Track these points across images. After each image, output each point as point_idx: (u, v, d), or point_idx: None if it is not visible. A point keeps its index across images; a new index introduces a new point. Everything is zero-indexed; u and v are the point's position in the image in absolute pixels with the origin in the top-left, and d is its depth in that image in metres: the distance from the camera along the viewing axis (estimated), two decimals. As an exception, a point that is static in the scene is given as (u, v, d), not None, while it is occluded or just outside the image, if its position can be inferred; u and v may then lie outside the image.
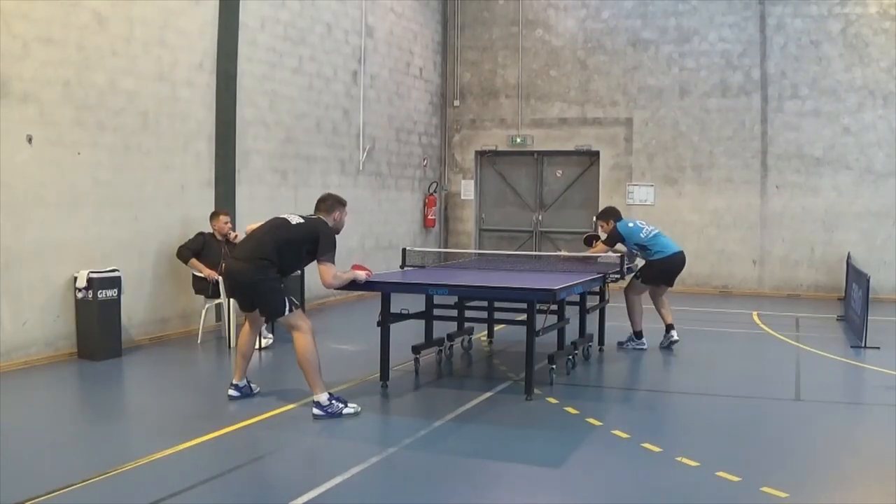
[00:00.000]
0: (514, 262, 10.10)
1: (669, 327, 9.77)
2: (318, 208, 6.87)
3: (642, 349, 9.53)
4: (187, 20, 10.00)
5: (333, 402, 6.44)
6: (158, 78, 9.57)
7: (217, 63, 10.47)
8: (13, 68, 7.86)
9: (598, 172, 16.23)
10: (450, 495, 4.92)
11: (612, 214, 9.85)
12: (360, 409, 6.51)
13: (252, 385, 7.12)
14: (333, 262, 6.55)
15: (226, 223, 9.77)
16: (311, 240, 6.54)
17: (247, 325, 7.07)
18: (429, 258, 10.04)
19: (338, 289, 6.89)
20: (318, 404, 6.41)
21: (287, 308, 6.48)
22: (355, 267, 7.04)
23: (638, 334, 9.64)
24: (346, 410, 6.44)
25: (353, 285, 6.93)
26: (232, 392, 6.99)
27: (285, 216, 6.75)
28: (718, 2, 15.30)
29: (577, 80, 16.22)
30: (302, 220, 6.65)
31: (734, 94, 15.26)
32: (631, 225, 9.66)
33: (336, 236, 6.71)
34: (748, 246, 15.32)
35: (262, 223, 6.84)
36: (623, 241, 9.53)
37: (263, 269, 6.46)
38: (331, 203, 6.87)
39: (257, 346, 9.07)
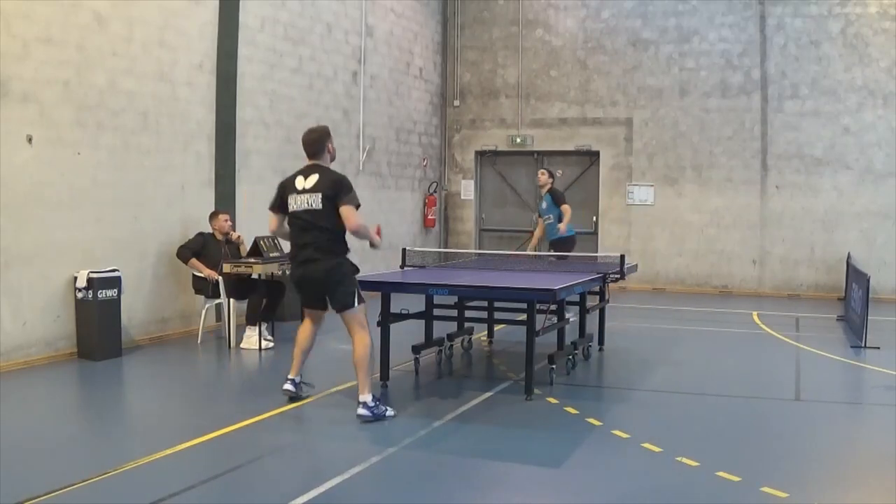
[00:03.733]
0: (514, 262, 10.10)
1: None
2: (310, 155, 6.49)
3: None
4: (187, 20, 10.00)
5: (378, 404, 6.35)
6: (158, 78, 9.57)
7: (217, 63, 10.47)
8: (13, 68, 7.86)
9: (598, 172, 16.24)
10: (450, 495, 4.92)
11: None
12: (394, 413, 6.43)
13: (305, 384, 6.89)
14: (354, 204, 6.27)
15: (225, 221, 9.78)
16: (335, 200, 6.25)
17: (308, 322, 6.80)
18: (429, 258, 10.04)
19: (361, 238, 6.47)
20: (365, 405, 6.29)
21: (356, 301, 6.38)
22: (377, 230, 6.70)
23: None
24: (388, 413, 6.37)
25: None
26: (288, 387, 6.76)
27: (302, 205, 6.33)
28: (718, 2, 15.30)
29: (577, 80, 16.22)
30: (318, 194, 6.27)
31: (734, 94, 15.26)
32: None
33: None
34: (748, 246, 15.32)
35: (281, 220, 6.55)
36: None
37: (333, 258, 6.32)
38: (318, 142, 6.47)
39: (258, 347, 9.11)
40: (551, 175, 11.63)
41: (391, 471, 5.29)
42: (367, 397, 6.31)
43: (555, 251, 11.14)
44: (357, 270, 6.56)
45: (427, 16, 16.20)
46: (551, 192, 11.49)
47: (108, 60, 8.88)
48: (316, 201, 6.31)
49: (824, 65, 14.73)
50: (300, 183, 6.42)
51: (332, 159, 6.63)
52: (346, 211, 6.23)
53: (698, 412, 7.03)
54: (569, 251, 11.08)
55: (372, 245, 6.66)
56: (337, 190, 6.28)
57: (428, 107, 16.43)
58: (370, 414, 6.27)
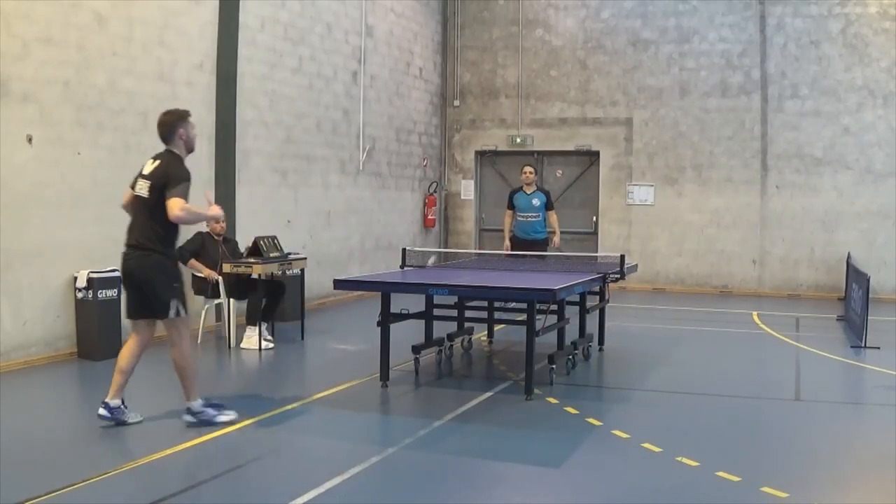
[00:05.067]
0: (514, 262, 10.10)
1: None
2: (161, 138, 6.15)
3: None
4: (187, 20, 10.00)
5: (206, 409, 6.12)
6: (158, 78, 9.57)
7: (217, 63, 10.47)
8: (13, 68, 7.86)
9: (598, 172, 16.23)
10: (450, 495, 4.92)
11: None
12: (235, 416, 6.19)
13: (126, 410, 6.13)
14: (182, 196, 5.79)
15: (217, 222, 9.76)
16: (164, 192, 5.84)
17: (133, 336, 6.24)
18: (429, 258, 10.04)
19: (189, 223, 6.21)
20: (189, 410, 6.10)
21: (174, 311, 5.99)
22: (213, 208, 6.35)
23: None
24: (219, 417, 6.11)
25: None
26: (101, 411, 6.05)
27: (137, 189, 6.03)
28: (718, 2, 15.30)
29: (577, 80, 16.21)
30: (148, 182, 5.93)
31: (734, 94, 15.25)
32: None
33: (186, 159, 6.12)
34: (748, 246, 15.31)
35: (129, 194, 6.15)
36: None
37: (151, 254, 5.95)
38: (168, 125, 6.11)
39: (258, 347, 9.10)
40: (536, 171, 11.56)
41: (391, 471, 5.29)
42: (192, 403, 6.10)
43: (531, 249, 10.86)
44: (177, 278, 6.11)
45: (427, 16, 16.20)
46: (545, 192, 11.35)
47: (108, 60, 8.88)
48: (145, 189, 5.96)
49: (824, 65, 14.73)
50: (146, 167, 6.10)
51: (190, 150, 6.23)
52: (170, 202, 5.75)
53: (698, 412, 7.03)
54: (544, 251, 10.92)
55: (212, 219, 6.19)
56: (165, 181, 5.85)
57: (428, 107, 16.43)
58: (195, 420, 6.07)
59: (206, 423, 6.07)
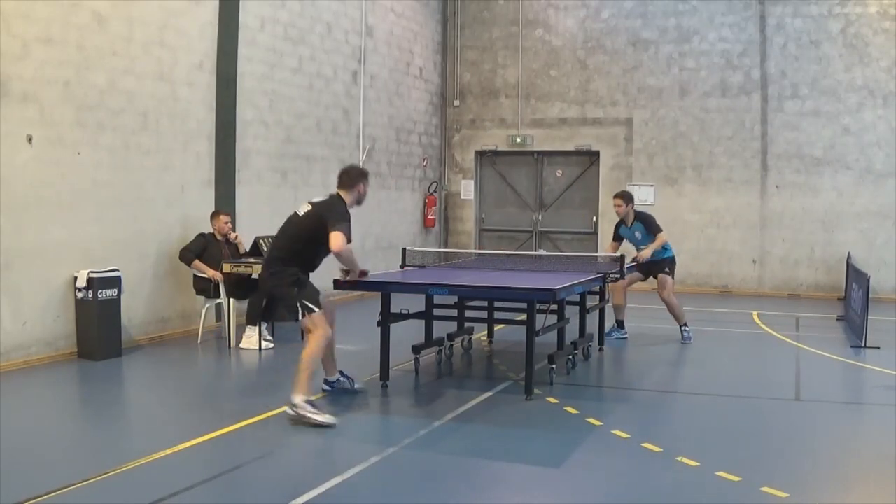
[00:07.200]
0: (514, 262, 10.09)
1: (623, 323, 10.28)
2: (339, 183, 6.72)
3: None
4: (187, 20, 10.00)
5: (308, 406, 6.18)
6: (158, 78, 9.57)
7: (217, 63, 10.47)
8: (13, 68, 7.86)
9: (598, 172, 16.24)
10: (450, 495, 4.92)
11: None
12: (334, 422, 6.14)
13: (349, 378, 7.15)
14: (343, 232, 6.26)
15: (226, 223, 9.78)
16: (322, 224, 6.34)
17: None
18: (429, 258, 10.04)
19: (344, 268, 6.75)
20: (292, 404, 6.18)
21: (300, 314, 6.47)
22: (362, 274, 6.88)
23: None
24: (316, 417, 6.11)
25: (358, 284, 6.92)
26: (324, 387, 7.10)
27: (298, 209, 6.69)
28: (718, 2, 15.30)
29: (577, 80, 16.22)
30: (310, 207, 6.55)
31: (734, 94, 15.26)
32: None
33: (351, 209, 6.59)
34: (748, 246, 15.32)
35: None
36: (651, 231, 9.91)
37: (278, 268, 6.50)
38: (354, 176, 6.73)
39: (258, 347, 9.11)
40: (629, 199, 10.00)
41: (391, 471, 5.30)
42: (296, 398, 6.19)
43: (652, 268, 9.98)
44: (298, 278, 6.51)
45: (427, 16, 16.20)
46: (642, 219, 9.93)
47: (108, 60, 8.88)
48: (305, 209, 6.67)
49: (824, 65, 14.73)
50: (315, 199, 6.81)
51: (358, 202, 6.79)
52: (332, 235, 6.33)
53: (698, 412, 7.04)
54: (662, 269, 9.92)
55: (357, 273, 6.90)
56: (324, 216, 6.47)
57: (428, 107, 16.43)
58: (294, 413, 6.16)
59: (301, 422, 6.08)
